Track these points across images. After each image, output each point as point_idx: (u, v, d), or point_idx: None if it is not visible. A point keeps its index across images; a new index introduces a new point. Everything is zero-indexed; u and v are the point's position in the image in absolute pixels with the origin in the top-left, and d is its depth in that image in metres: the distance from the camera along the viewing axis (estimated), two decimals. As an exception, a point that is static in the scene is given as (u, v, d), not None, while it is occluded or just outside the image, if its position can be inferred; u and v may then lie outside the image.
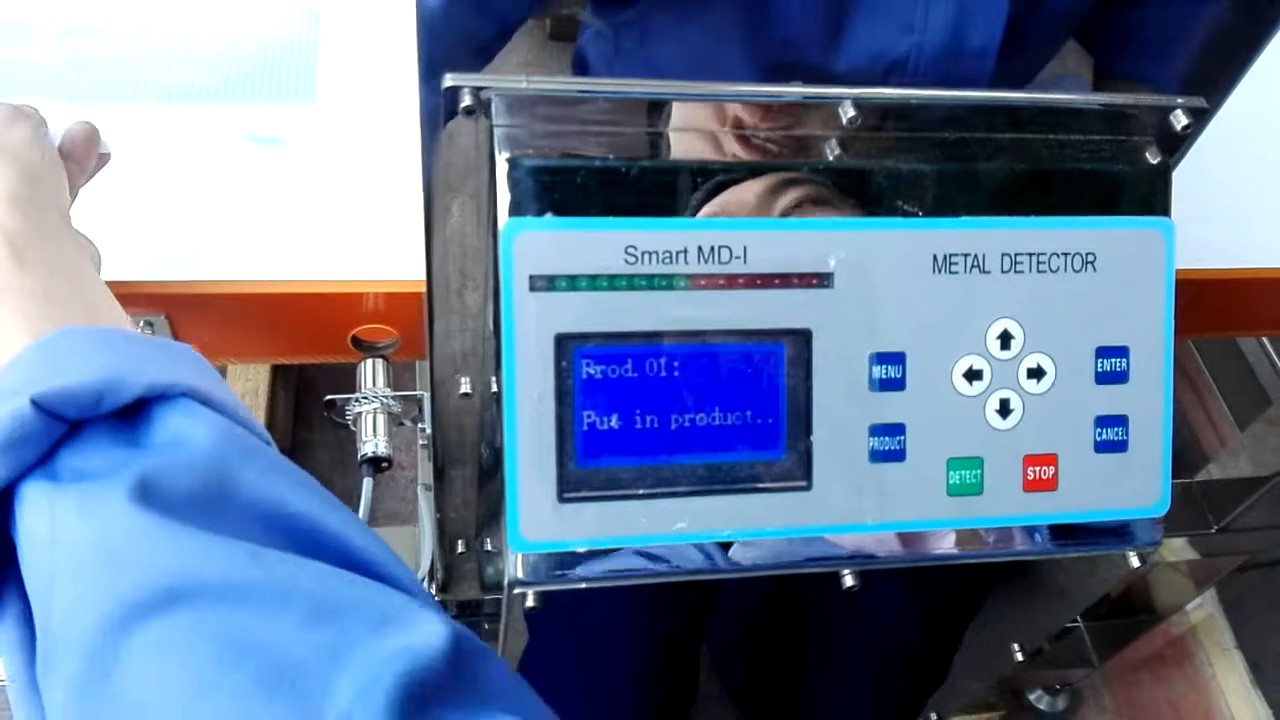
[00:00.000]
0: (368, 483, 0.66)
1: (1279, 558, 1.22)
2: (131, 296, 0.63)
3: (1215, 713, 1.44)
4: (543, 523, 0.42)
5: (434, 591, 0.81)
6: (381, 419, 0.66)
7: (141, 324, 0.65)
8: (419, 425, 0.69)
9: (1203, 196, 0.77)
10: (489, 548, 0.72)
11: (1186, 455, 1.26)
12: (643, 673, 0.73)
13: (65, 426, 0.36)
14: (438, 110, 0.41)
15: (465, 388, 0.56)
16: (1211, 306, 0.80)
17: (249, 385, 1.45)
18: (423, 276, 0.66)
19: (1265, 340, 1.10)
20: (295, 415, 1.55)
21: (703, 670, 1.05)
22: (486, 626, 0.83)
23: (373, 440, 0.65)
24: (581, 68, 0.84)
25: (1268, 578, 1.38)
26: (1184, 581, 1.29)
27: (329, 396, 0.67)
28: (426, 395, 0.69)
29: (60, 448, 0.36)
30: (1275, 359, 1.09)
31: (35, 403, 0.34)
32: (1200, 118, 0.48)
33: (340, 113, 0.71)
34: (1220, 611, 1.35)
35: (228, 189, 0.66)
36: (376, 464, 0.65)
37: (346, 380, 1.71)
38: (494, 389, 0.54)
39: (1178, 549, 1.19)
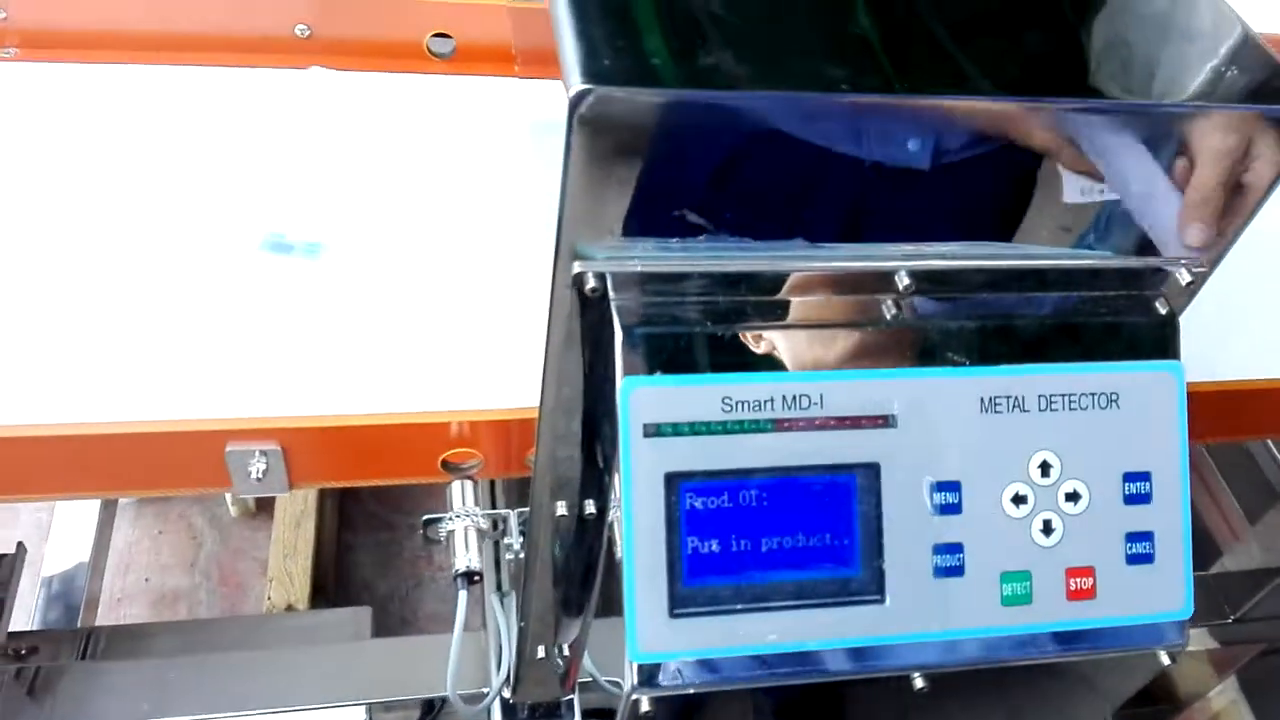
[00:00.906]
0: (463, 595, 0.72)
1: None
2: (249, 431, 0.71)
3: (1242, 801, 1.45)
4: (657, 636, 0.48)
5: (507, 694, 0.86)
6: (473, 535, 0.73)
7: (257, 453, 0.72)
8: (505, 540, 0.76)
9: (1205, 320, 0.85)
10: (565, 653, 0.78)
11: (1201, 549, 1.32)
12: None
13: None
14: (566, 286, 0.49)
15: (562, 510, 0.64)
16: (1217, 415, 0.87)
17: (298, 494, 1.51)
18: (503, 405, 0.74)
19: (1269, 441, 1.17)
20: (340, 520, 1.62)
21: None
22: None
23: (465, 555, 0.72)
24: None
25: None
26: (1205, 670, 1.34)
27: (426, 516, 0.73)
28: (513, 514, 0.76)
29: None
30: (1278, 455, 1.16)
31: None
32: (1203, 275, 0.56)
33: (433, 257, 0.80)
34: (1243, 699, 1.39)
35: (329, 325, 0.75)
36: (470, 577, 0.72)
37: (387, 489, 1.78)
38: (588, 512, 0.61)
39: (1197, 638, 1.25)
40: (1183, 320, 0.70)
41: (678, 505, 0.49)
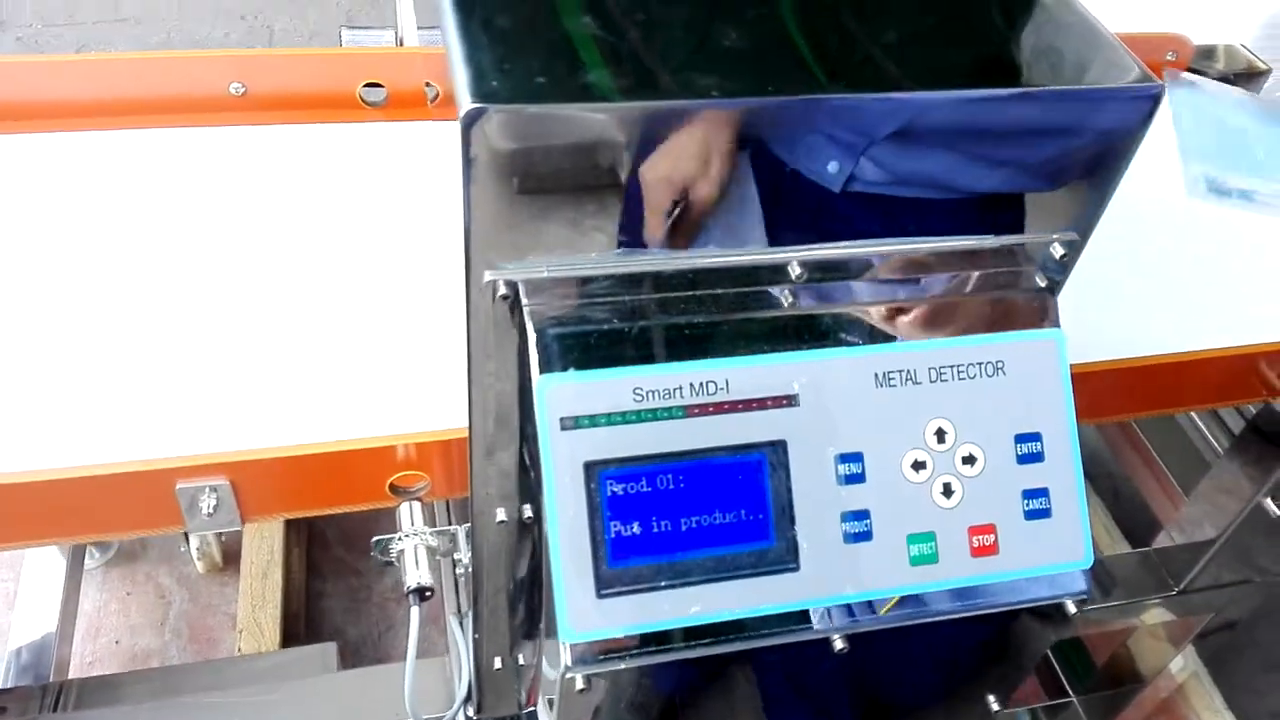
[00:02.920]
0: (415, 611, 0.74)
1: (1247, 613, 1.31)
2: (197, 468, 0.73)
3: (1214, 774, 1.49)
4: (585, 616, 0.51)
5: (472, 713, 0.88)
6: (423, 552, 0.76)
7: (207, 489, 0.75)
8: (454, 556, 0.78)
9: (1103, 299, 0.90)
10: (522, 662, 0.81)
11: (1142, 524, 1.36)
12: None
13: None
14: (479, 296, 0.53)
15: (501, 516, 0.66)
16: (1139, 390, 0.92)
17: (265, 543, 1.53)
18: (446, 426, 0.77)
19: (1194, 415, 1.22)
20: (308, 568, 1.63)
21: None
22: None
23: (416, 573, 0.75)
24: None
25: (1251, 638, 1.47)
26: (1161, 644, 1.38)
27: (376, 537, 0.76)
28: (460, 529, 0.79)
29: None
30: (1202, 428, 1.21)
31: None
32: (1074, 247, 0.61)
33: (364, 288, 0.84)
34: (1204, 670, 1.43)
35: (267, 358, 0.77)
36: (421, 593, 0.74)
37: (353, 532, 1.80)
38: (525, 516, 0.64)
39: (1149, 613, 1.28)
40: (1100, 299, 0.74)
41: (598, 492, 0.52)
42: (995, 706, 0.67)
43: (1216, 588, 1.22)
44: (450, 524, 0.86)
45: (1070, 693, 1.48)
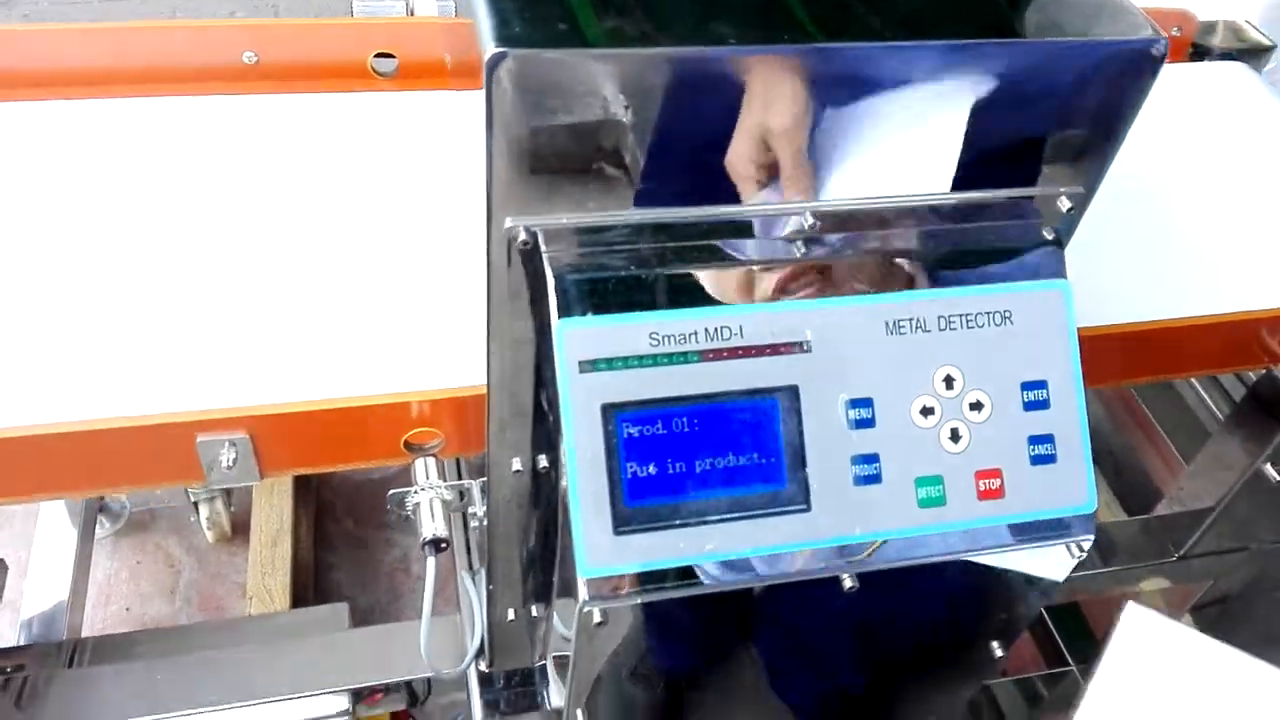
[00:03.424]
0: (432, 562, 0.76)
1: (1244, 584, 1.33)
2: (218, 421, 0.75)
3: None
4: (603, 552, 0.53)
5: (484, 667, 0.90)
6: (438, 505, 0.77)
7: (227, 444, 0.76)
8: (469, 510, 0.80)
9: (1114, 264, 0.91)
10: (535, 614, 0.82)
11: (1142, 492, 1.38)
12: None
13: None
14: (499, 243, 0.54)
15: (517, 465, 0.68)
16: (1140, 354, 0.93)
17: (274, 513, 1.54)
18: (459, 383, 0.78)
19: (1194, 381, 1.24)
20: (316, 539, 1.64)
21: None
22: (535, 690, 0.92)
23: (432, 524, 0.76)
24: None
25: (1248, 612, 1.48)
26: (1160, 611, 1.39)
27: (392, 490, 0.77)
28: (475, 483, 0.81)
29: None
30: (1203, 395, 1.22)
31: None
32: (1080, 201, 0.62)
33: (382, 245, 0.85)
34: (1202, 641, 1.44)
35: (287, 314, 0.79)
36: (437, 545, 0.76)
37: (361, 505, 1.81)
38: (541, 466, 0.66)
39: (1149, 581, 1.30)
40: (1100, 262, 0.75)
41: (615, 433, 0.53)
42: (999, 653, 0.68)
43: (1216, 554, 1.24)
44: (460, 477, 0.88)
45: (1070, 661, 1.50)
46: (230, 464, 0.75)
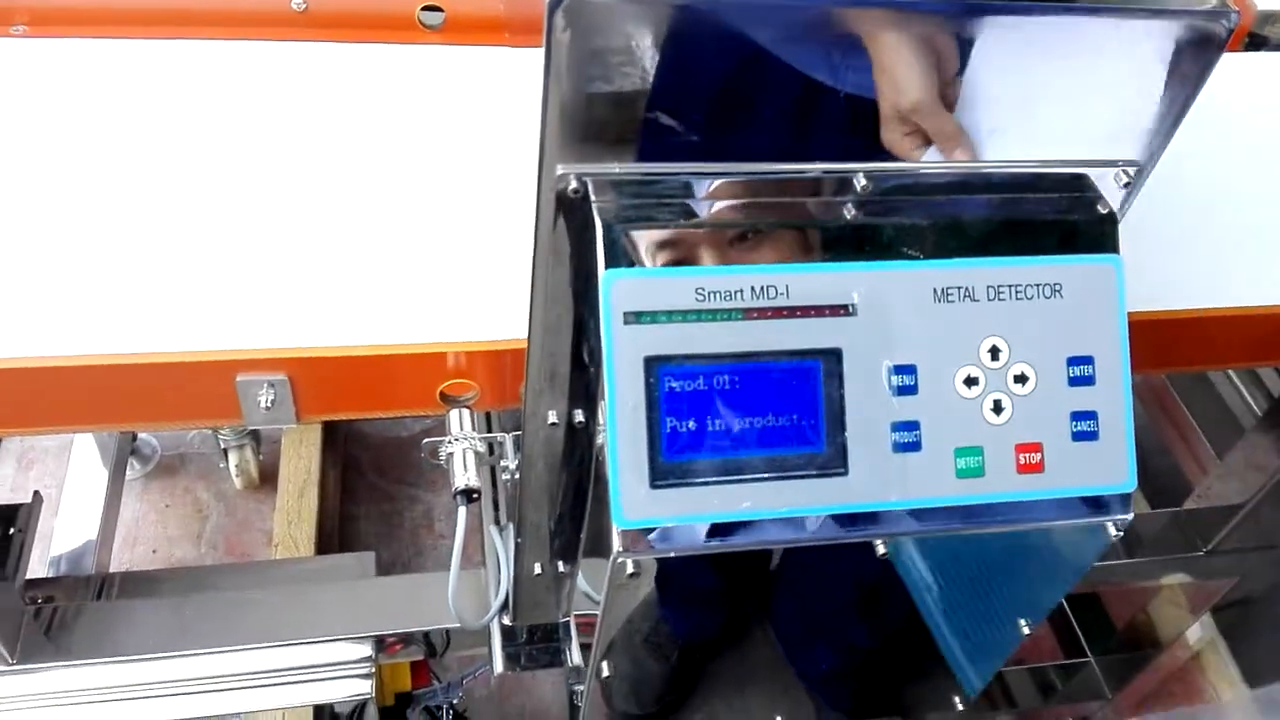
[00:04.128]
0: (463, 511, 0.77)
1: (1268, 584, 1.32)
2: (259, 362, 0.75)
3: (1227, 744, 1.50)
4: (639, 505, 0.53)
5: (508, 620, 0.91)
6: (471, 457, 0.77)
7: (266, 385, 0.76)
8: (501, 463, 0.80)
9: (1161, 246, 0.90)
10: (561, 570, 0.83)
11: (1171, 485, 1.37)
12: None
13: None
14: (549, 192, 0.54)
15: (553, 418, 0.68)
16: (1177, 343, 0.92)
17: (302, 463, 1.56)
18: (497, 336, 0.79)
19: (1233, 374, 1.22)
20: (343, 491, 1.66)
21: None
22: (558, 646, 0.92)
23: (464, 475, 0.77)
24: None
25: (1270, 613, 1.47)
26: (1181, 609, 1.38)
27: (426, 439, 0.78)
28: (508, 436, 0.81)
29: None
30: (1243, 391, 1.21)
31: None
32: (1139, 174, 0.61)
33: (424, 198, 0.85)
34: (1220, 638, 1.43)
35: (331, 259, 0.79)
36: (469, 495, 0.76)
37: (387, 461, 1.82)
38: (577, 420, 0.66)
39: (1173, 575, 1.29)
40: (1139, 246, 0.75)
41: (657, 386, 0.53)
42: (1025, 630, 0.68)
43: (1243, 551, 1.22)
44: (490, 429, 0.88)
45: (1088, 653, 1.49)
46: (268, 405, 0.76)
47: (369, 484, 1.70)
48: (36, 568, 1.42)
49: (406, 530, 1.65)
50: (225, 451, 1.56)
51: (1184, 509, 1.24)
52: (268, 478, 1.61)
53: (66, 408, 0.75)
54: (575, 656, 0.91)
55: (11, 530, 0.93)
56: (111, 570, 1.45)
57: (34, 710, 0.90)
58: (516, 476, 0.76)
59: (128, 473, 1.58)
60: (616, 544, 0.53)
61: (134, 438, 1.60)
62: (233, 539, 1.57)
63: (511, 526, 0.94)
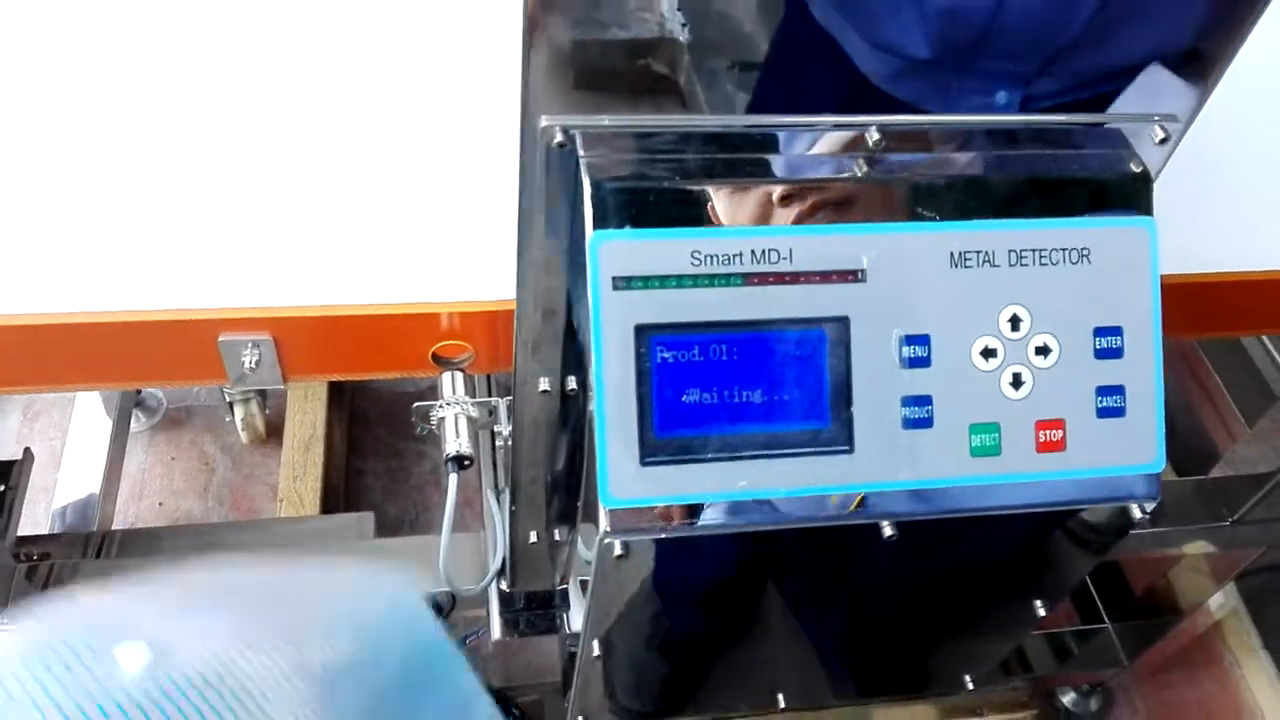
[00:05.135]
0: (453, 479, 0.74)
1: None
2: (241, 321, 0.72)
3: (1246, 712, 1.47)
4: (628, 483, 0.50)
5: (505, 586, 0.88)
6: (464, 422, 0.74)
7: (250, 345, 0.73)
8: (495, 428, 0.77)
9: (1195, 207, 0.85)
10: (558, 538, 0.80)
11: (1199, 452, 1.32)
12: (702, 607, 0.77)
13: None
14: (533, 145, 0.50)
15: (544, 386, 0.65)
16: (1207, 307, 0.87)
17: (308, 417, 1.54)
18: (494, 297, 0.75)
19: (1266, 340, 1.17)
20: (349, 445, 1.64)
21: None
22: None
23: (456, 441, 0.74)
24: None
25: (1290, 580, 1.43)
26: (1204, 577, 1.35)
27: (416, 403, 0.75)
28: (502, 401, 0.78)
29: None
30: (1276, 356, 1.16)
31: None
32: (1176, 130, 0.56)
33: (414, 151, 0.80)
34: (1243, 607, 1.40)
35: (318, 217, 0.75)
36: (460, 461, 0.73)
37: (395, 414, 1.79)
38: (569, 388, 0.62)
39: (1197, 544, 1.25)
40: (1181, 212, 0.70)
41: (648, 357, 0.50)
42: (1041, 611, 0.65)
43: (1271, 521, 1.18)
44: (490, 393, 0.85)
45: (1105, 618, 1.46)
46: (254, 365, 0.73)
47: (376, 438, 1.68)
48: (41, 521, 1.41)
49: (413, 486, 1.63)
50: (230, 405, 1.54)
51: (1210, 477, 1.20)
52: (274, 431, 1.59)
53: (52, 366, 0.73)
54: (574, 623, 0.88)
55: (3, 488, 0.91)
56: (117, 524, 1.44)
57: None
58: (510, 443, 0.73)
59: (133, 425, 1.57)
60: (604, 524, 0.50)
61: (138, 391, 1.59)
62: (239, 493, 1.56)
63: (508, 493, 0.91)
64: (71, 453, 1.43)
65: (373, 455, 1.65)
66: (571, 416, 0.65)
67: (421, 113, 0.84)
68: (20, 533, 0.99)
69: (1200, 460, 1.30)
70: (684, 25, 0.51)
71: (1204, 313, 0.89)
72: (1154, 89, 0.57)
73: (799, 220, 0.52)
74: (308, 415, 1.53)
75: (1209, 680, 1.52)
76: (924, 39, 0.65)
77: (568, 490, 0.72)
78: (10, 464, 0.93)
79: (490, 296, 0.75)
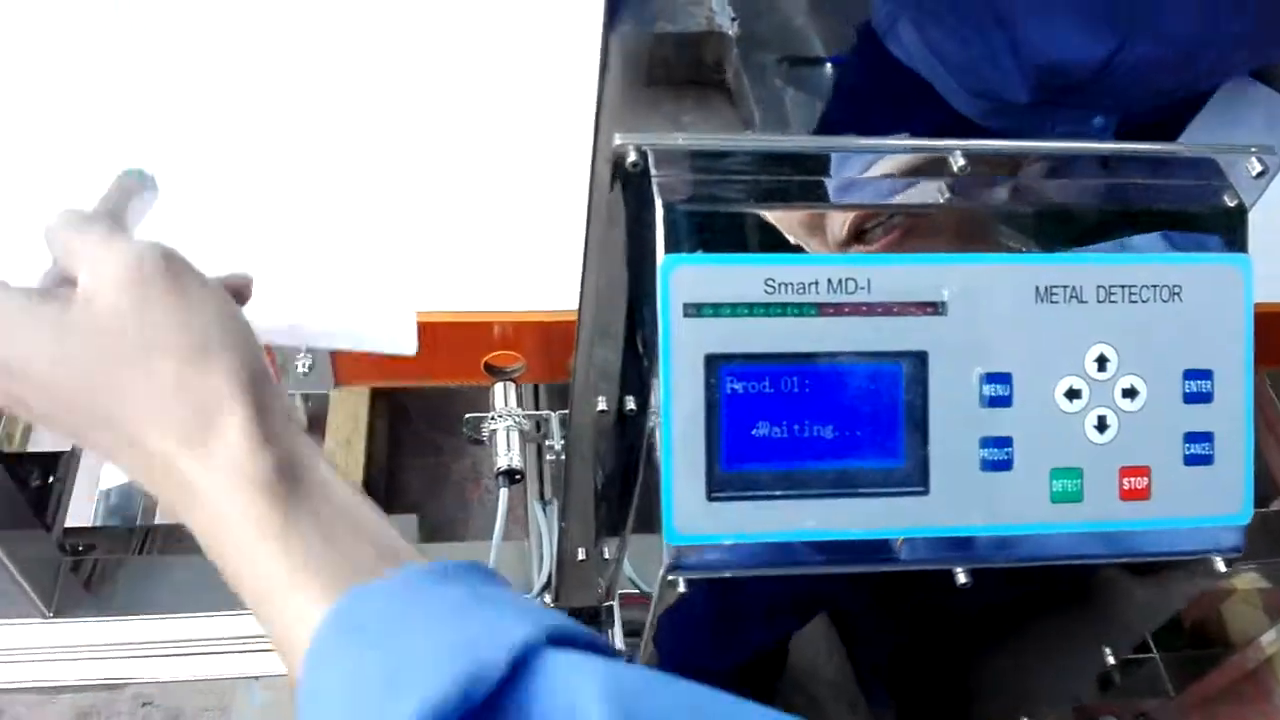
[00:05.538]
0: (504, 493, 0.72)
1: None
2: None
3: (1295, 750, 1.43)
4: (693, 519, 0.48)
5: (549, 600, 0.87)
6: (514, 435, 0.73)
7: (303, 349, 0.73)
8: (546, 442, 0.76)
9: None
10: (607, 556, 0.78)
11: (1259, 486, 1.28)
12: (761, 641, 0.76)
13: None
14: (604, 163, 0.48)
15: (602, 405, 0.63)
16: (1272, 339, 0.84)
17: (350, 412, 1.53)
18: (548, 307, 0.73)
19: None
20: (390, 441, 1.64)
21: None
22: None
23: (507, 455, 0.72)
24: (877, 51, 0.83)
25: (1348, 616, 1.38)
26: (1257, 612, 1.31)
27: (468, 415, 0.73)
28: (554, 415, 0.76)
29: None
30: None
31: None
32: (1273, 163, 0.53)
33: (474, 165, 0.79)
34: (1296, 644, 1.35)
35: (372, 224, 0.74)
36: (511, 476, 0.72)
37: (436, 409, 1.79)
38: (628, 408, 0.60)
39: (1251, 579, 1.21)
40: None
41: (718, 387, 0.48)
42: (1110, 660, 0.62)
43: (1335, 558, 1.14)
44: (538, 408, 0.84)
45: (1153, 648, 1.42)
46: (306, 370, 0.72)
47: (417, 434, 1.67)
48: (85, 507, 1.42)
49: (454, 484, 1.62)
50: (273, 398, 1.54)
51: (1271, 510, 1.16)
52: (315, 424, 1.59)
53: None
54: (619, 642, 0.87)
55: (51, 479, 0.91)
56: (159, 513, 1.44)
57: (68, 663, 0.89)
58: (562, 458, 0.72)
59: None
60: (666, 559, 0.48)
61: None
62: (280, 485, 1.56)
63: (555, 503, 0.90)
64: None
65: (413, 452, 1.65)
66: (628, 436, 0.63)
67: (479, 126, 0.83)
68: (64, 510, 0.99)
69: (1258, 493, 1.26)
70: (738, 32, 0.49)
71: (1268, 344, 0.85)
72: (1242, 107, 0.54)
73: (877, 249, 0.50)
74: (350, 409, 1.53)
75: (1257, 715, 1.48)
76: (1024, 87, 0.63)
77: (619, 508, 0.71)
78: (58, 455, 0.92)
79: (543, 307, 0.73)
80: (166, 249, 0.38)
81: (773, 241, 0.49)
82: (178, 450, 0.34)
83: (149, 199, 0.48)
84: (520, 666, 0.29)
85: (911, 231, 0.51)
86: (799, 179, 0.50)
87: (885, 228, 0.50)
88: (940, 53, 0.76)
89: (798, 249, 0.49)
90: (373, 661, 0.30)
